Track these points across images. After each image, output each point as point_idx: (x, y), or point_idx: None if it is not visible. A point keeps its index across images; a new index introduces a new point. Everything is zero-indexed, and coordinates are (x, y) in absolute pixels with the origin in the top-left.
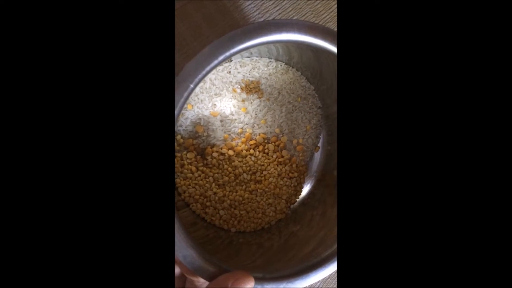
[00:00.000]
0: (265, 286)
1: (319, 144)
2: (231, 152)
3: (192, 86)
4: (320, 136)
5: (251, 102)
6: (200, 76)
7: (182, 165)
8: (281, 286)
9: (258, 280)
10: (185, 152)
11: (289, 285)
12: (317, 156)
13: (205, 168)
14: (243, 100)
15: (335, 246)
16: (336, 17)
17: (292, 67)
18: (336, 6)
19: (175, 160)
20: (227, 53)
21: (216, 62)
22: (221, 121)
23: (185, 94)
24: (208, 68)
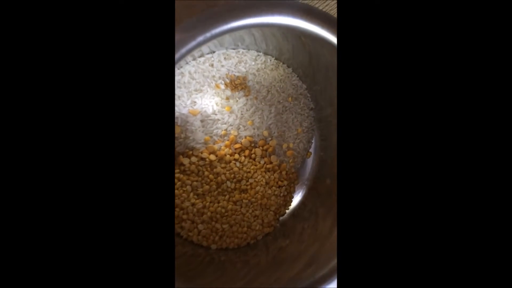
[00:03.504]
0: None
1: (311, 150)
2: (212, 157)
3: None
4: (312, 141)
5: (237, 100)
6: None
7: None
8: None
9: None
10: None
11: None
12: (309, 162)
13: (181, 175)
14: (227, 98)
15: (330, 265)
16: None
17: (283, 63)
18: None
19: None
20: (208, 34)
21: (194, 43)
22: (201, 121)
23: None
24: (183, 51)
